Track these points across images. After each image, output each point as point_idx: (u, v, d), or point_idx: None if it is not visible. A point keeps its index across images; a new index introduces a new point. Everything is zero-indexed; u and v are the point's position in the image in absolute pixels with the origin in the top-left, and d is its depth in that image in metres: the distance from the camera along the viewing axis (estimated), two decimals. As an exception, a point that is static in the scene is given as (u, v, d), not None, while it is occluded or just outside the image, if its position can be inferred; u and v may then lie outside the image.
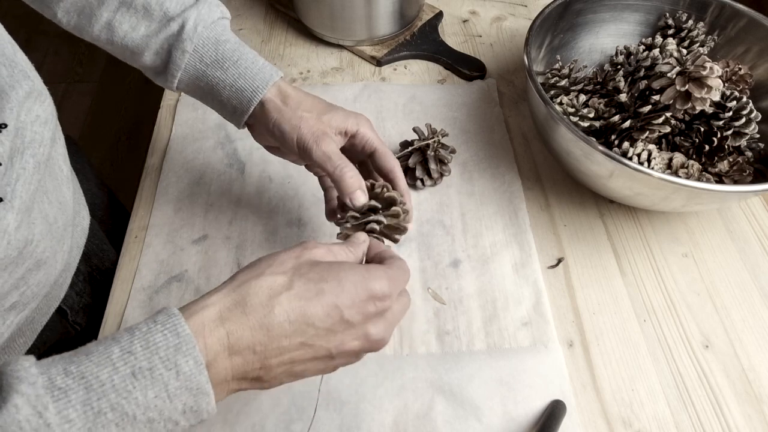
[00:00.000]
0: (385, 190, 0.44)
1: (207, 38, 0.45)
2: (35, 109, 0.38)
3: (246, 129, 0.50)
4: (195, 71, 0.46)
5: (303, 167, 0.52)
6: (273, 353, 0.31)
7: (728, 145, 0.56)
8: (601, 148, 0.50)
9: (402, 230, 0.45)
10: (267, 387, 0.33)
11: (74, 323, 0.54)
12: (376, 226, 0.43)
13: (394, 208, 0.44)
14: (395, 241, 0.46)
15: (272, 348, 0.30)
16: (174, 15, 0.45)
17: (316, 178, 0.52)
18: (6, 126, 0.35)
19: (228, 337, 0.29)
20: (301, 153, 0.44)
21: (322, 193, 0.52)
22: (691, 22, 0.66)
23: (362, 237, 0.40)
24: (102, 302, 0.54)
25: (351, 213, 0.44)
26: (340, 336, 0.32)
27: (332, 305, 0.31)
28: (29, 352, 0.47)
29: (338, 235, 0.45)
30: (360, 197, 0.43)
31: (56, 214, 0.42)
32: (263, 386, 0.33)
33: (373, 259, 0.39)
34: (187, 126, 0.67)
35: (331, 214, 0.50)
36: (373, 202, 0.44)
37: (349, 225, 0.44)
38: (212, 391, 0.28)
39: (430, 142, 0.60)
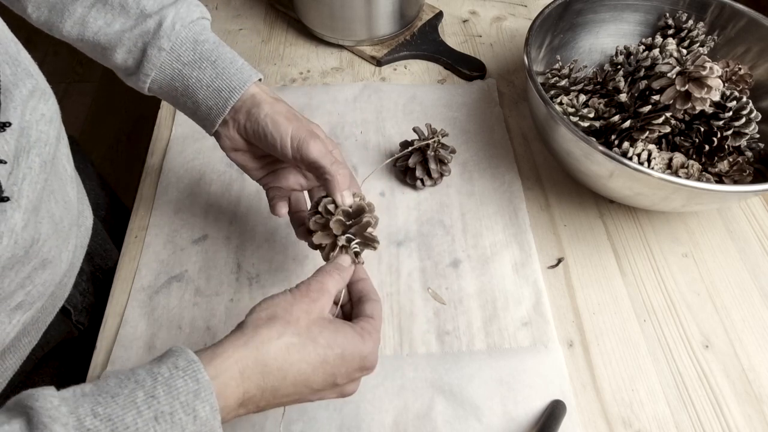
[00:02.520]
0: (356, 198, 0.44)
1: (185, 37, 0.44)
2: (40, 108, 0.38)
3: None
4: (171, 71, 0.45)
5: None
6: (270, 405, 0.35)
7: (728, 145, 0.56)
8: (601, 148, 0.50)
9: (372, 242, 0.44)
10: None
11: (78, 323, 0.54)
12: (354, 245, 0.43)
13: (365, 217, 0.43)
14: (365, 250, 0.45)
15: (273, 403, 0.35)
16: (151, 12, 0.44)
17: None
18: (10, 124, 0.34)
19: (243, 395, 0.33)
20: (293, 146, 0.43)
21: None
22: (691, 22, 0.66)
23: (347, 261, 0.42)
24: (105, 302, 0.54)
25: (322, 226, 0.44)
26: (326, 393, 0.37)
27: (330, 374, 0.36)
28: (34, 351, 0.47)
29: (313, 244, 0.44)
30: (349, 196, 0.43)
31: (62, 214, 0.42)
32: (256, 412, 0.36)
33: (355, 287, 0.42)
34: (187, 126, 0.67)
35: (304, 234, 0.48)
36: (351, 205, 0.44)
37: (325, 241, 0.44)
38: None
39: (430, 142, 0.60)
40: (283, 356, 0.34)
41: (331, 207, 0.44)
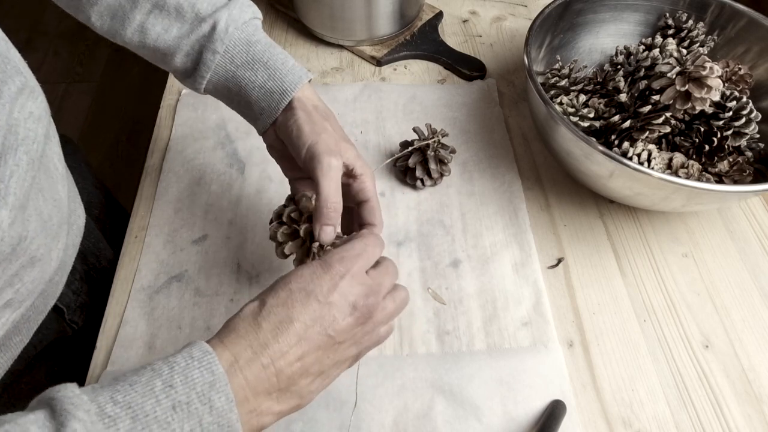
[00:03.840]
0: (305, 200, 0.45)
1: (238, 39, 0.45)
2: (28, 106, 0.38)
3: (247, 130, 0.50)
4: (225, 72, 0.46)
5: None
6: (280, 368, 0.33)
7: (728, 145, 0.56)
8: (601, 148, 0.50)
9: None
10: (301, 402, 0.35)
11: (71, 322, 0.54)
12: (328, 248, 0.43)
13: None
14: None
15: (281, 365, 0.33)
16: (206, 15, 0.45)
17: None
18: None
19: (232, 357, 0.32)
20: (307, 158, 0.43)
21: None
22: (691, 22, 0.66)
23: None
24: (99, 301, 0.54)
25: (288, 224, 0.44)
26: (338, 351, 0.36)
27: (314, 309, 0.35)
28: (26, 350, 0.47)
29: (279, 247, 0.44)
30: (329, 233, 0.42)
31: (51, 212, 0.42)
32: (294, 401, 0.35)
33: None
34: (187, 126, 0.67)
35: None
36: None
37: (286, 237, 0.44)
38: (241, 428, 0.31)
39: (430, 142, 0.60)
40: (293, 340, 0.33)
41: (294, 215, 0.44)
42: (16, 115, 0.36)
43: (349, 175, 0.45)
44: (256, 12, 0.48)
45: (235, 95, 0.47)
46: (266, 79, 0.45)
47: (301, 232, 0.43)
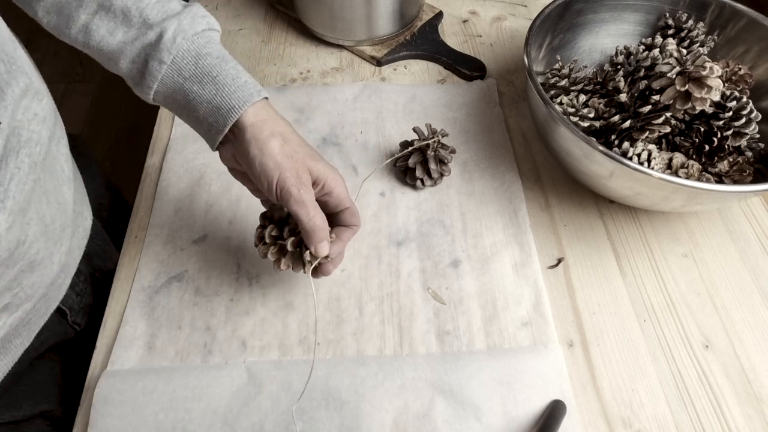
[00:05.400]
0: (278, 213, 0.47)
1: (186, 50, 0.43)
2: (33, 107, 0.37)
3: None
4: (173, 84, 0.44)
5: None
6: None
7: (728, 145, 0.56)
8: (601, 148, 0.50)
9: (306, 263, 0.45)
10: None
11: (74, 323, 0.54)
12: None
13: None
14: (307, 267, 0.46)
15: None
16: (153, 23, 0.43)
17: None
18: (0, 123, 0.34)
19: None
20: (277, 193, 0.43)
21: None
22: (691, 22, 0.66)
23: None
24: (104, 302, 0.54)
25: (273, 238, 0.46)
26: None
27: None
28: (27, 352, 0.47)
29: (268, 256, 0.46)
30: (325, 248, 0.44)
31: (54, 215, 0.41)
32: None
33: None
34: (187, 126, 0.67)
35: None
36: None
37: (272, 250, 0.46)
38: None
39: (430, 142, 0.60)
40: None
41: (274, 233, 0.46)
42: (19, 117, 0.36)
43: (322, 191, 0.45)
44: (212, 23, 0.46)
45: (184, 108, 0.45)
46: (213, 94, 0.43)
47: (289, 246, 0.45)
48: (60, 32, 0.45)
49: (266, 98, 0.46)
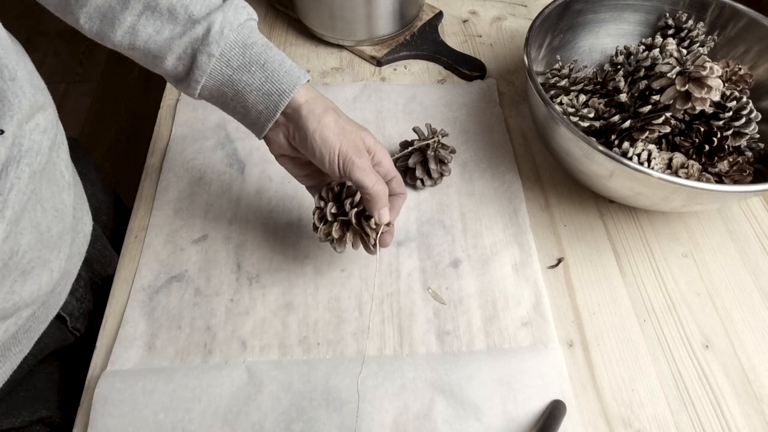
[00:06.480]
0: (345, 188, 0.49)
1: (234, 41, 0.44)
2: (36, 117, 0.37)
3: (247, 131, 0.50)
4: (221, 76, 0.44)
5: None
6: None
7: (728, 145, 0.56)
8: (601, 148, 0.50)
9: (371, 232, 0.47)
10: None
11: (74, 329, 0.53)
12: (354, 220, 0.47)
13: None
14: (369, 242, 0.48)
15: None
16: (199, 18, 0.43)
17: None
18: (2, 132, 0.34)
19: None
20: (339, 164, 0.44)
21: None
22: (691, 22, 0.66)
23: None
24: (103, 308, 0.53)
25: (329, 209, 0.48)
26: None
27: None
28: (26, 359, 0.46)
29: (324, 237, 0.48)
30: (387, 214, 0.46)
31: (50, 223, 0.41)
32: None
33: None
34: (187, 126, 0.67)
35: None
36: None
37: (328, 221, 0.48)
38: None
39: (430, 142, 0.60)
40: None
41: (334, 210, 0.47)
42: (24, 127, 0.36)
43: (373, 161, 0.47)
44: (252, 13, 0.47)
45: (231, 99, 0.46)
46: (263, 81, 0.44)
47: (353, 218, 0.47)
48: (103, 37, 0.45)
49: (308, 80, 0.47)
